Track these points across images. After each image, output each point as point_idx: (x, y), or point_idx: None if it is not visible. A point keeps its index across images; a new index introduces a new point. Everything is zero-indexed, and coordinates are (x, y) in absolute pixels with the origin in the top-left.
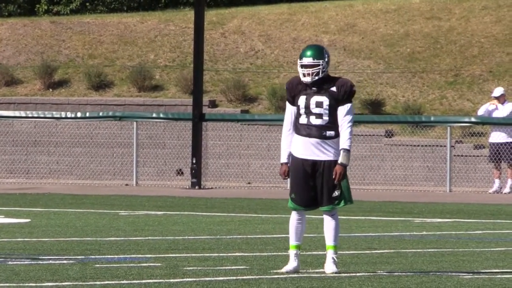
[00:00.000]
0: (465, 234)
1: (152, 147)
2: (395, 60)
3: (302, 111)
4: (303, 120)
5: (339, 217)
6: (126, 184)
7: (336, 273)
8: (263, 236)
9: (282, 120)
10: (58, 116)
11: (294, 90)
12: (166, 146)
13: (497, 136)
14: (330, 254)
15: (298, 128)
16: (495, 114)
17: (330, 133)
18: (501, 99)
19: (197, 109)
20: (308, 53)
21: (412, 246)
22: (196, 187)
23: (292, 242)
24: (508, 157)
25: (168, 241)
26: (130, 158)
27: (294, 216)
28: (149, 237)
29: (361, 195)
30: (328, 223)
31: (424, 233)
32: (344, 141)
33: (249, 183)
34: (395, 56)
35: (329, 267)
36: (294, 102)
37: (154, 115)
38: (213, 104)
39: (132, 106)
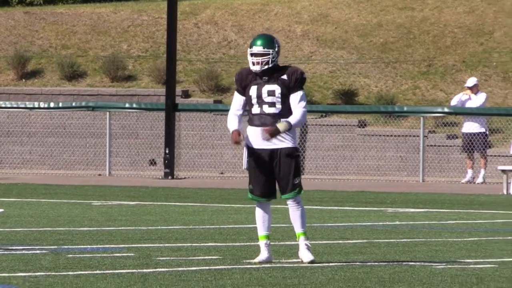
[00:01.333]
0: (438, 224)
1: (125, 137)
2: (368, 50)
3: (254, 101)
4: (255, 110)
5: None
6: (99, 174)
7: (312, 261)
8: (236, 226)
9: None
10: (31, 106)
11: (245, 80)
12: (139, 136)
13: (470, 126)
14: (302, 241)
15: (251, 119)
16: (468, 104)
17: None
18: (474, 89)
19: (170, 99)
20: (258, 42)
21: (385, 236)
22: (169, 177)
23: (260, 232)
24: (481, 147)
25: (141, 231)
26: (103, 148)
27: (258, 207)
28: (122, 227)
29: (334, 185)
30: (295, 210)
31: (397, 223)
32: (292, 117)
33: (222, 173)
34: (368, 46)
35: (306, 255)
36: (244, 93)
37: (127, 105)
38: (186, 94)
39: (105, 96)
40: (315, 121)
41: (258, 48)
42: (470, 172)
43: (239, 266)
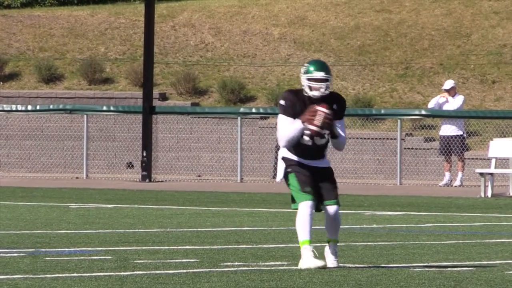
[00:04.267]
0: (416, 227)
1: (102, 140)
2: (345, 53)
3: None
4: (306, 141)
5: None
6: (77, 177)
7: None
8: (213, 229)
9: (232, 113)
10: (8, 109)
11: (298, 105)
12: (116, 139)
13: (448, 129)
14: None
15: (300, 150)
16: (446, 107)
17: (325, 150)
18: (452, 91)
19: (147, 102)
20: (320, 67)
21: (362, 239)
22: (147, 180)
23: (307, 237)
24: (458, 150)
25: (118, 234)
26: (81, 151)
27: (308, 210)
28: (100, 230)
29: None
30: (336, 219)
31: (375, 226)
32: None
33: (199, 176)
34: (345, 49)
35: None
36: (294, 118)
37: (104, 108)
38: (163, 97)
39: (83, 99)
40: None
41: (321, 74)
42: (447, 175)
43: (217, 269)
